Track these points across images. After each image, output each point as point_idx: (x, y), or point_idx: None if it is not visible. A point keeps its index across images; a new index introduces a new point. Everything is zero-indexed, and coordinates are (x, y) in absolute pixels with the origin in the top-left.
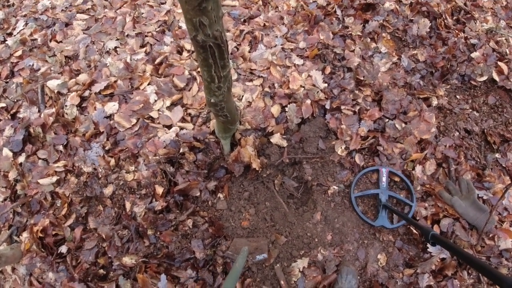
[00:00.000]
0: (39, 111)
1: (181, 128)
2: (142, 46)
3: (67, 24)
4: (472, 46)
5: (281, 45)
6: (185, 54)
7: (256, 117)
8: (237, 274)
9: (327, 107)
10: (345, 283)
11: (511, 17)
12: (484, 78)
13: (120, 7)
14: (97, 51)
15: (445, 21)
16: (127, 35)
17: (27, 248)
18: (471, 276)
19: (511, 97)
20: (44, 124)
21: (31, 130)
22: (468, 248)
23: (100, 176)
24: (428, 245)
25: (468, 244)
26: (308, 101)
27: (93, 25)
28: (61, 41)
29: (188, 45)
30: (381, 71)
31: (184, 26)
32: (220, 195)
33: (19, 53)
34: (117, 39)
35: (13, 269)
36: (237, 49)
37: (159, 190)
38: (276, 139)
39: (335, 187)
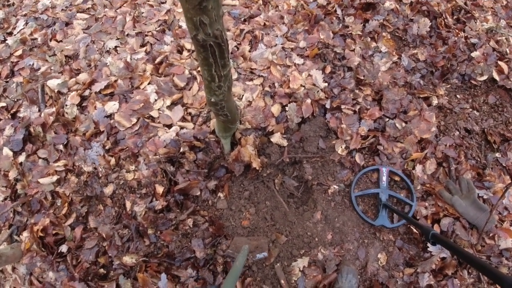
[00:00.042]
0: (39, 110)
1: (182, 128)
2: (142, 46)
3: (67, 24)
4: (472, 46)
5: (282, 44)
6: (185, 53)
7: (257, 117)
8: (238, 273)
9: (327, 106)
10: (345, 283)
11: (511, 16)
12: (484, 77)
13: (120, 7)
14: (97, 50)
15: (445, 20)
16: (127, 35)
17: (27, 248)
18: (472, 275)
19: (511, 96)
20: (44, 123)
21: (32, 129)
22: (469, 247)
23: (100, 175)
24: (429, 245)
25: (469, 243)
26: (308, 101)
27: (93, 24)
28: (61, 41)
29: (188, 44)
30: (381, 70)
31: (184, 25)
32: (221, 194)
33: (19, 52)
34: (117, 39)
35: (14, 269)
36: (238, 48)
37: (160, 189)
38: (276, 138)
39: (335, 186)
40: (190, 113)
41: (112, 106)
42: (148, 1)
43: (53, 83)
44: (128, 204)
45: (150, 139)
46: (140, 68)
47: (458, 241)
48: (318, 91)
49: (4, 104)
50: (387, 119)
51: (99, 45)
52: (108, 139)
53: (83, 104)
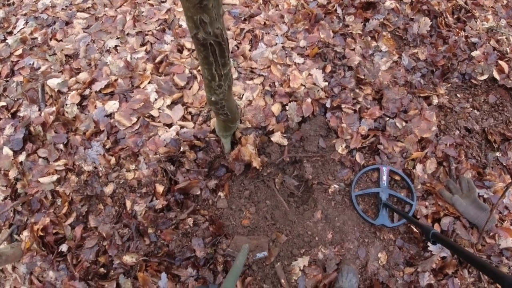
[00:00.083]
0: (39, 109)
1: (182, 127)
2: (142, 45)
3: (67, 23)
4: (473, 45)
5: (282, 43)
6: (185, 52)
7: (257, 116)
8: (238, 272)
9: (328, 105)
10: (345, 282)
11: None
12: (485, 76)
13: (120, 6)
14: (98, 49)
15: (446, 19)
16: (128, 34)
17: (27, 247)
18: (472, 274)
19: None
20: (45, 122)
21: (32, 128)
22: (469, 246)
23: (100, 174)
24: (429, 244)
25: (469, 242)
26: (309, 100)
27: (94, 23)
28: (61, 40)
29: (188, 43)
30: (381, 69)
31: (184, 24)
32: (221, 193)
33: (19, 52)
34: (118, 38)
35: (14, 268)
36: (238, 47)
37: (160, 188)
38: (276, 137)
39: (335, 185)
40: (190, 112)
41: (112, 105)
42: (148, 0)
43: (53, 82)
44: (128, 203)
45: (150, 138)
46: (140, 67)
47: (459, 241)
48: (318, 90)
49: (4, 103)
50: (388, 118)
51: (99, 44)
52: (108, 138)
53: (83, 103)
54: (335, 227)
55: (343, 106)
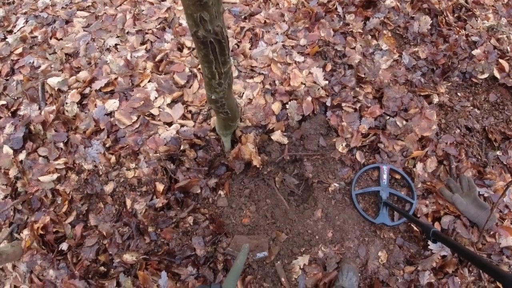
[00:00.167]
0: (39, 108)
1: (182, 125)
2: (142, 43)
3: (67, 22)
4: (473, 44)
5: (282, 42)
6: (185, 51)
7: (257, 114)
8: (238, 272)
9: (328, 104)
10: (345, 280)
11: None
12: (485, 75)
13: (120, 4)
14: (98, 48)
15: (446, 18)
16: (128, 32)
17: (27, 246)
18: (472, 273)
19: None
20: (45, 121)
21: (32, 127)
22: (469, 245)
23: (100, 173)
24: (429, 242)
25: (469, 241)
26: (309, 98)
27: (94, 22)
28: (61, 39)
29: (188, 42)
30: (382, 68)
31: (184, 23)
32: (221, 192)
33: (19, 50)
34: (118, 37)
35: (14, 267)
36: (238, 46)
37: (160, 187)
38: (276, 136)
39: (335, 184)
40: (190, 111)
41: (112, 104)
42: None
43: (53, 81)
44: (128, 202)
45: (150, 137)
46: (141, 66)
47: (459, 239)
48: (318, 89)
49: (4, 102)
50: (388, 117)
51: (99, 43)
52: (108, 137)
53: (83, 102)
54: (335, 225)
55: (343, 104)
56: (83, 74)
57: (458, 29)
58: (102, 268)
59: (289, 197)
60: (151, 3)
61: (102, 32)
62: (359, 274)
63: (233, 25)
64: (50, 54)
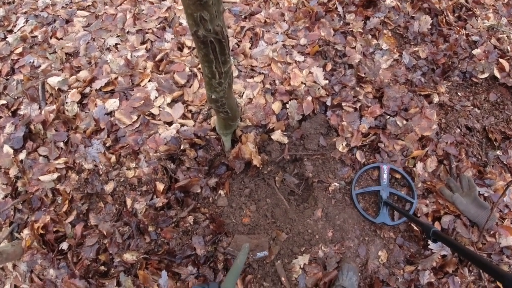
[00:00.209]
0: (39, 108)
1: (182, 125)
2: (142, 43)
3: (67, 21)
4: (474, 43)
5: (282, 41)
6: (185, 50)
7: (257, 114)
8: (238, 271)
9: (328, 103)
10: (346, 280)
11: None
12: (486, 75)
13: (120, 4)
14: (98, 48)
15: (447, 18)
16: (128, 32)
17: (28, 245)
18: (472, 273)
19: None
20: (45, 121)
21: (32, 127)
22: (469, 245)
23: (101, 172)
24: (429, 242)
25: (469, 241)
26: (309, 98)
27: (94, 22)
28: (61, 38)
29: (188, 41)
30: (382, 68)
31: (184, 22)
32: (221, 191)
33: (19, 50)
34: (118, 36)
35: (14, 266)
36: (238, 45)
37: (160, 186)
38: (277, 136)
39: (336, 184)
40: (190, 111)
41: (112, 103)
42: None
43: (53, 80)
44: (128, 202)
45: (150, 137)
46: (141, 65)
47: (459, 239)
48: (318, 88)
49: (4, 102)
50: (388, 116)
51: (99, 42)
52: (108, 136)
53: (84, 102)
54: (335, 225)
55: (343, 104)
56: (83, 74)
57: (458, 28)
58: (102, 267)
59: (289, 196)
60: (151, 3)
61: (102, 31)
62: (359, 274)
63: (233, 24)
64: (50, 54)
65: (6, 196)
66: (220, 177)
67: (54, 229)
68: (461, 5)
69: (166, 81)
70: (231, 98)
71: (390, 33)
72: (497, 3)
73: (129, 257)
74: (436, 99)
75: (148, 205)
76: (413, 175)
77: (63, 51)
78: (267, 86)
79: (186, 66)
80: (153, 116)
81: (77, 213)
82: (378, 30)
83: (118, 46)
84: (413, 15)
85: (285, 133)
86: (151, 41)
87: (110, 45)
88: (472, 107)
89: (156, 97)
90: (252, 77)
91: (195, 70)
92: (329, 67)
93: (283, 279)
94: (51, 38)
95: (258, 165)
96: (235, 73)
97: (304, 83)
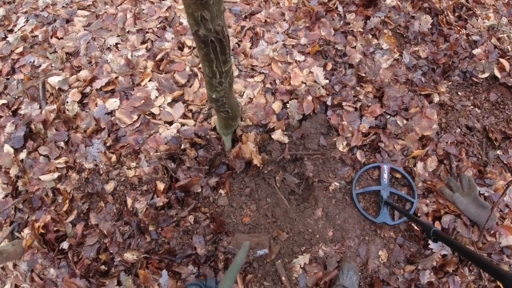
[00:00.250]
0: (40, 107)
1: (182, 125)
2: (143, 43)
3: (68, 21)
4: (474, 43)
5: (283, 41)
6: (186, 50)
7: (258, 114)
8: (238, 267)
9: (329, 103)
10: (346, 279)
11: None
12: (486, 75)
13: (120, 4)
14: (98, 47)
15: (447, 17)
16: (128, 32)
17: (28, 244)
18: (472, 272)
19: None
20: (45, 120)
21: (32, 126)
22: (470, 244)
23: (101, 172)
24: (430, 242)
25: (469, 240)
26: (310, 98)
27: (94, 21)
28: (62, 38)
29: (189, 41)
30: (382, 67)
31: (185, 22)
32: (222, 191)
33: (20, 49)
34: (118, 36)
35: (15, 265)
36: (238, 45)
37: (161, 186)
38: (277, 135)
39: (336, 183)
40: (191, 110)
41: (113, 103)
42: None
43: (54, 80)
44: (129, 201)
45: (151, 136)
46: (141, 65)
47: (459, 238)
48: (319, 88)
49: (5, 101)
50: (388, 116)
51: (100, 42)
52: (109, 136)
53: (84, 101)
54: (335, 225)
55: (344, 104)
56: (84, 73)
57: (458, 28)
58: (103, 267)
59: (290, 196)
60: (152, 2)
61: (102, 31)
62: (360, 273)
63: (234, 24)
64: (50, 53)
65: (6, 196)
66: (220, 176)
67: (55, 229)
68: (462, 5)
69: (166, 81)
70: (231, 98)
71: (390, 33)
72: (497, 2)
73: (129, 256)
74: (436, 98)
75: (149, 204)
76: (414, 174)
77: (63, 50)
78: (268, 85)
79: (187, 66)
80: (153, 115)
81: (78, 212)
82: (378, 29)
83: (119, 45)
84: (413, 15)
85: (285, 132)
86: (152, 41)
87: (110, 45)
88: (472, 107)
89: (157, 97)
90: (252, 76)
91: (195, 69)
92: (329, 66)
93: (283, 278)
94: (51, 37)
95: (258, 165)
96: (236, 73)
97: (305, 83)
